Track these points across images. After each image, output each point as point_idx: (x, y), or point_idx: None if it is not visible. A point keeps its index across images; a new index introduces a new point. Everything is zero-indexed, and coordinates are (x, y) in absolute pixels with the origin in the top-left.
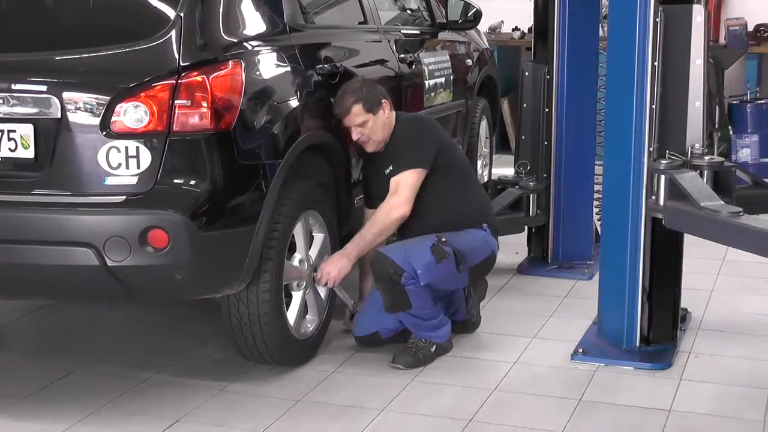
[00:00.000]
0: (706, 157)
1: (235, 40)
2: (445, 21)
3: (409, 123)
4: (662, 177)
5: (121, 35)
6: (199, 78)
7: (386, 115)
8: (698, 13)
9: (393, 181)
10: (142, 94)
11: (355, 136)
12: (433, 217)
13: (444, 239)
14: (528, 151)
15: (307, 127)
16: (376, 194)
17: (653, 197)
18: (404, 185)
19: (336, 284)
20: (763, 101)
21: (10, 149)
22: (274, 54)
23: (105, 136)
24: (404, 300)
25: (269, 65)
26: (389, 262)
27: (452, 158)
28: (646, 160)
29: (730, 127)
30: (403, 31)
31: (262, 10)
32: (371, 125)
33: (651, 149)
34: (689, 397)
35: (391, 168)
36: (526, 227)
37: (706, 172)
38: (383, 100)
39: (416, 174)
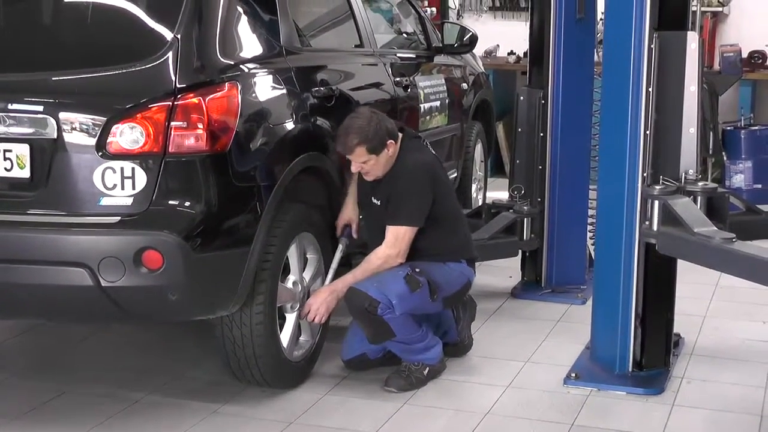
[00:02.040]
0: (700, 183)
1: (232, 63)
2: (441, 45)
3: (414, 172)
4: (656, 202)
5: (118, 56)
6: (195, 100)
7: (390, 153)
8: (692, 39)
9: (391, 231)
10: (138, 116)
11: (354, 169)
12: (415, 255)
13: (418, 269)
14: (522, 175)
15: (302, 150)
16: (362, 205)
17: (647, 222)
18: (401, 239)
19: (322, 321)
20: (756, 127)
21: (5, 169)
22: (271, 76)
23: (101, 156)
24: (386, 330)
25: (265, 87)
26: (363, 296)
27: (443, 207)
28: (640, 185)
29: (723, 153)
30: (399, 55)
31: (259, 32)
32: (373, 164)
33: (645, 175)
34: (681, 422)
35: (380, 203)
36: (519, 251)
37: (699, 197)
38: (388, 141)
39: (413, 230)
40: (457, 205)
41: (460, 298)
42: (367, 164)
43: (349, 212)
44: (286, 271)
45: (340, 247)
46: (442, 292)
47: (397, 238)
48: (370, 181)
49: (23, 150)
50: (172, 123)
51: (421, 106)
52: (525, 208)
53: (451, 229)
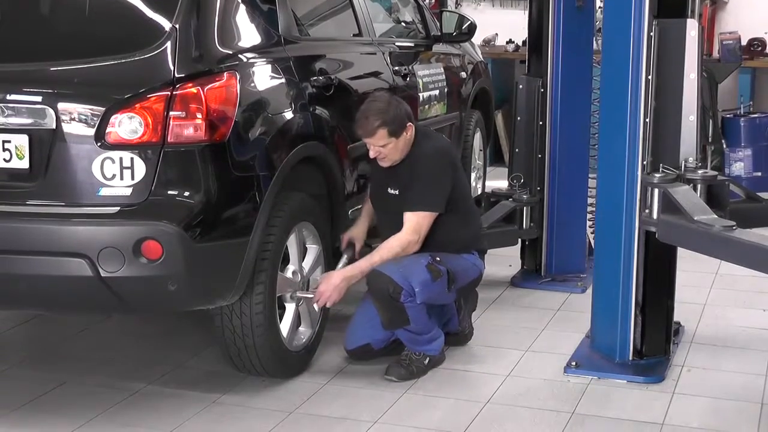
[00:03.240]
0: (700, 171)
1: (230, 52)
2: (439, 34)
3: (433, 157)
4: (656, 190)
5: (116, 46)
6: (194, 89)
7: (408, 136)
8: (692, 27)
9: (410, 216)
10: (137, 105)
11: (372, 154)
12: (429, 245)
13: (438, 258)
14: (522, 163)
15: (301, 139)
16: (375, 199)
17: (647, 210)
18: (420, 225)
19: (333, 304)
20: (756, 115)
21: (4, 159)
22: (269, 66)
23: (100, 147)
24: (403, 317)
25: (264, 77)
26: (387, 280)
27: (458, 195)
28: (639, 173)
29: (723, 141)
30: (397, 44)
31: (257, 22)
32: (392, 147)
33: (645, 163)
34: (682, 410)
35: (397, 192)
36: (519, 240)
37: (699, 185)
38: (408, 124)
39: (433, 216)
40: (470, 192)
41: (471, 290)
42: (385, 148)
43: (359, 231)
44: (286, 260)
45: (344, 260)
46: (458, 282)
47: (418, 223)
48: (384, 172)
49: (22, 141)
50: (171, 113)
51: (420, 95)
52: (524, 196)
53: (465, 217)
